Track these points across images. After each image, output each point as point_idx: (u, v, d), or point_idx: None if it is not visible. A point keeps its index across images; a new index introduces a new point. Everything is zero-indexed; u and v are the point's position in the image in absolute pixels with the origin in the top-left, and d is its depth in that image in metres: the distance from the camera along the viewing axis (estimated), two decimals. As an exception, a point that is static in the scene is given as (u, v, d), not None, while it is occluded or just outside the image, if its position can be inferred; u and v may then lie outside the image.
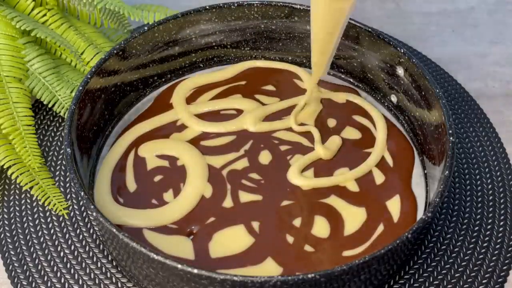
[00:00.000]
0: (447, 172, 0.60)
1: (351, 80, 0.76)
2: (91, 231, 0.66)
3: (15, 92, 0.69)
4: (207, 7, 0.73)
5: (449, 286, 0.63)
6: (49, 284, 0.63)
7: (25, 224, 0.67)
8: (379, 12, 0.91)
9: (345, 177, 0.67)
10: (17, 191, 0.69)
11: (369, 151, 0.69)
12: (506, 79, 0.82)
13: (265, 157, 0.69)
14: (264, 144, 0.70)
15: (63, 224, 0.67)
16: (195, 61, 0.77)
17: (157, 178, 0.67)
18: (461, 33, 0.88)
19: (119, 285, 0.63)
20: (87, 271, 0.64)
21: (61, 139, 0.73)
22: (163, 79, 0.76)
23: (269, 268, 0.61)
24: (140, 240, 0.62)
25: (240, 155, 0.69)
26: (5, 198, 0.69)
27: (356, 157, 0.69)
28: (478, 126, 0.76)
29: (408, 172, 0.68)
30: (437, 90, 0.65)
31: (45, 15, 0.74)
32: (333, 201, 0.65)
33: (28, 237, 0.66)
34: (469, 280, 0.64)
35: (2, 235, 0.66)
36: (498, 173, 0.71)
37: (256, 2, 0.74)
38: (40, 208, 0.68)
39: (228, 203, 0.65)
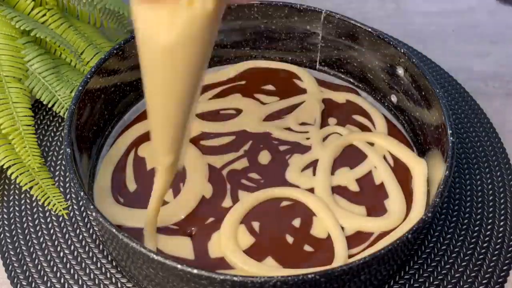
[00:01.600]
0: (447, 172, 0.60)
1: (351, 80, 0.76)
2: (91, 231, 0.66)
3: (15, 92, 0.69)
4: (207, 7, 0.73)
5: (449, 286, 0.63)
6: (49, 284, 0.63)
7: (25, 224, 0.67)
8: (379, 12, 0.91)
9: (346, 177, 0.67)
10: (17, 191, 0.69)
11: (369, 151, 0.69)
12: (506, 79, 0.82)
13: (264, 157, 0.69)
14: (263, 144, 0.70)
15: (63, 224, 0.67)
16: (195, 61, 0.77)
17: (157, 177, 0.67)
18: (461, 33, 0.88)
19: (119, 285, 0.63)
20: (87, 271, 0.64)
21: (61, 139, 0.73)
22: (163, 79, 0.76)
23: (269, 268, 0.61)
24: (140, 240, 0.62)
25: (240, 155, 0.69)
26: (5, 198, 0.69)
27: (356, 157, 0.69)
28: (478, 126, 0.75)
29: (408, 172, 0.68)
30: (437, 90, 0.65)
31: (45, 15, 0.74)
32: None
33: (28, 237, 0.66)
34: (469, 280, 0.63)
35: (2, 235, 0.66)
36: (498, 173, 0.71)
37: (256, 2, 0.74)
38: (40, 208, 0.68)
39: (227, 203, 0.65)
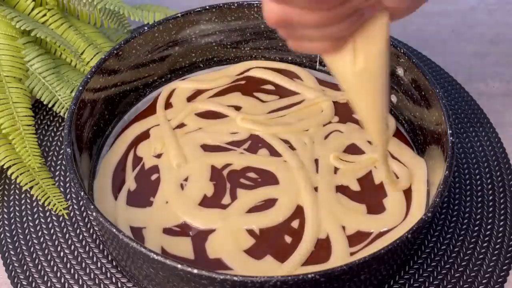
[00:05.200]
0: (447, 172, 0.60)
1: (351, 80, 0.76)
2: (91, 231, 0.66)
3: (15, 92, 0.69)
4: (207, 7, 0.73)
5: (449, 286, 0.63)
6: (49, 284, 0.63)
7: (25, 224, 0.67)
8: (379, 12, 0.91)
9: (347, 176, 0.67)
10: (17, 191, 0.69)
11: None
12: (506, 79, 0.82)
13: (263, 155, 0.69)
14: (262, 143, 0.70)
15: (63, 224, 0.67)
16: (195, 61, 0.77)
17: (156, 176, 0.67)
18: (461, 33, 0.88)
19: (119, 285, 0.63)
20: (87, 271, 0.64)
21: (61, 139, 0.73)
22: (163, 79, 0.76)
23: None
24: (140, 240, 0.62)
25: (239, 154, 0.69)
26: (5, 198, 0.69)
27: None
28: (478, 126, 0.76)
29: (408, 172, 0.68)
30: (437, 90, 0.65)
31: (45, 15, 0.74)
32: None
33: (28, 237, 0.66)
34: (469, 280, 0.64)
35: (2, 235, 0.66)
36: (498, 173, 0.71)
37: (256, 2, 0.74)
38: (40, 208, 0.68)
39: (227, 201, 0.65)
